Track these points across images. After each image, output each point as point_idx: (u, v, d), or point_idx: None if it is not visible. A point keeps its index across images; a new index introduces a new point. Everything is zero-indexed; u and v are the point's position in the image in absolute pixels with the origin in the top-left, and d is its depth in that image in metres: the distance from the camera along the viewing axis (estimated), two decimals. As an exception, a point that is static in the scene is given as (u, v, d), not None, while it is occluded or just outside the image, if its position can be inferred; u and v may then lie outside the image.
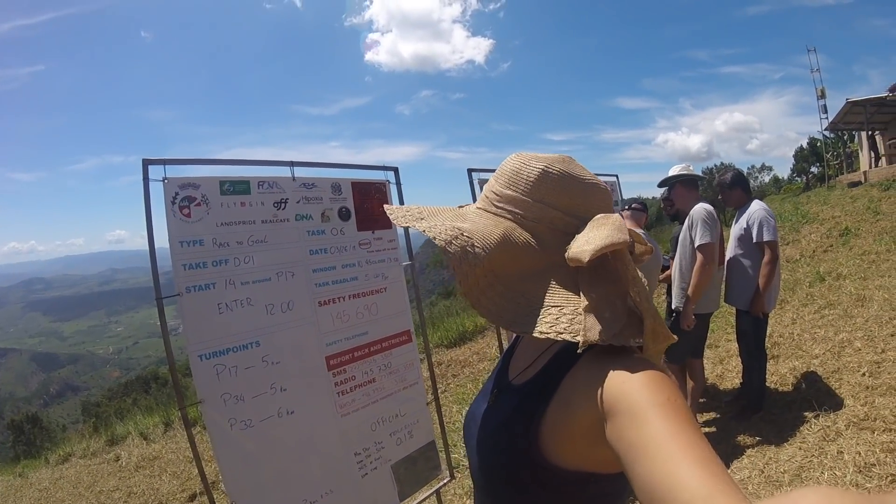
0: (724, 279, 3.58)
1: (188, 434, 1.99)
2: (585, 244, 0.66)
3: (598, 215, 0.72)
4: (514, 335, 0.98)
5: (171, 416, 6.40)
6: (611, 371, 0.63)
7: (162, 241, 1.90)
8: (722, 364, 4.43)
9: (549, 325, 0.66)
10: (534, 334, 0.67)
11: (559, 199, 0.73)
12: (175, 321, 2.05)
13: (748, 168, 45.57)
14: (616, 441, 0.57)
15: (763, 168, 45.95)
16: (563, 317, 0.67)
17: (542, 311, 0.68)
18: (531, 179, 0.74)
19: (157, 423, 6.38)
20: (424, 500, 2.72)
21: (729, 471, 2.75)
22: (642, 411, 0.56)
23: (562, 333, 0.65)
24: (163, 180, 1.87)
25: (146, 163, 1.86)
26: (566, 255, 0.68)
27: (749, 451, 3.10)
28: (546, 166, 0.74)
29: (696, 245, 3.20)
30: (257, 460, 1.95)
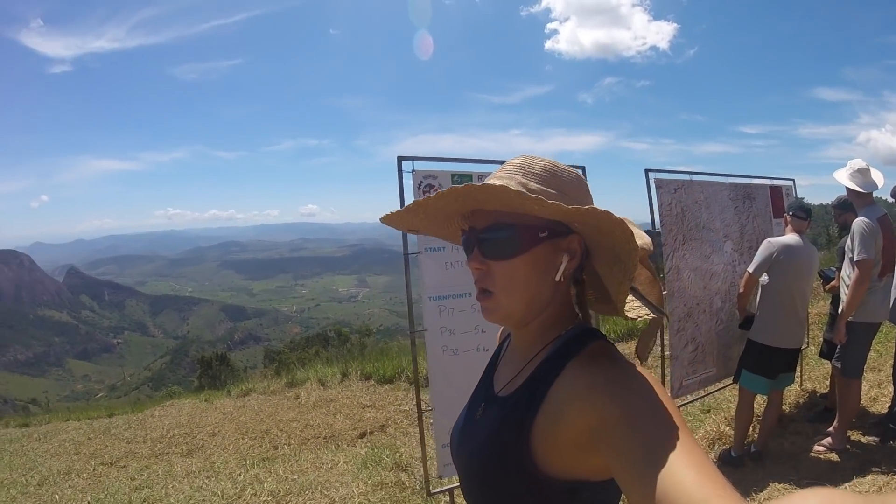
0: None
1: (412, 355, 2.79)
2: (644, 235, 0.76)
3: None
4: (498, 346, 0.97)
5: (348, 369, 7.02)
6: (599, 378, 0.64)
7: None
8: (880, 387, 4.14)
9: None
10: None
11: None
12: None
13: (956, 178, 36.51)
14: (608, 448, 0.56)
15: (976, 177, 36.29)
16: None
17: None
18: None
19: (335, 374, 6.96)
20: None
21: (845, 487, 2.79)
22: (634, 417, 0.56)
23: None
24: (412, 171, 2.67)
25: (400, 159, 2.67)
26: (640, 243, 0.72)
27: (872, 474, 3.02)
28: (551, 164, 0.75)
29: (854, 260, 3.20)
30: (455, 379, 2.66)
